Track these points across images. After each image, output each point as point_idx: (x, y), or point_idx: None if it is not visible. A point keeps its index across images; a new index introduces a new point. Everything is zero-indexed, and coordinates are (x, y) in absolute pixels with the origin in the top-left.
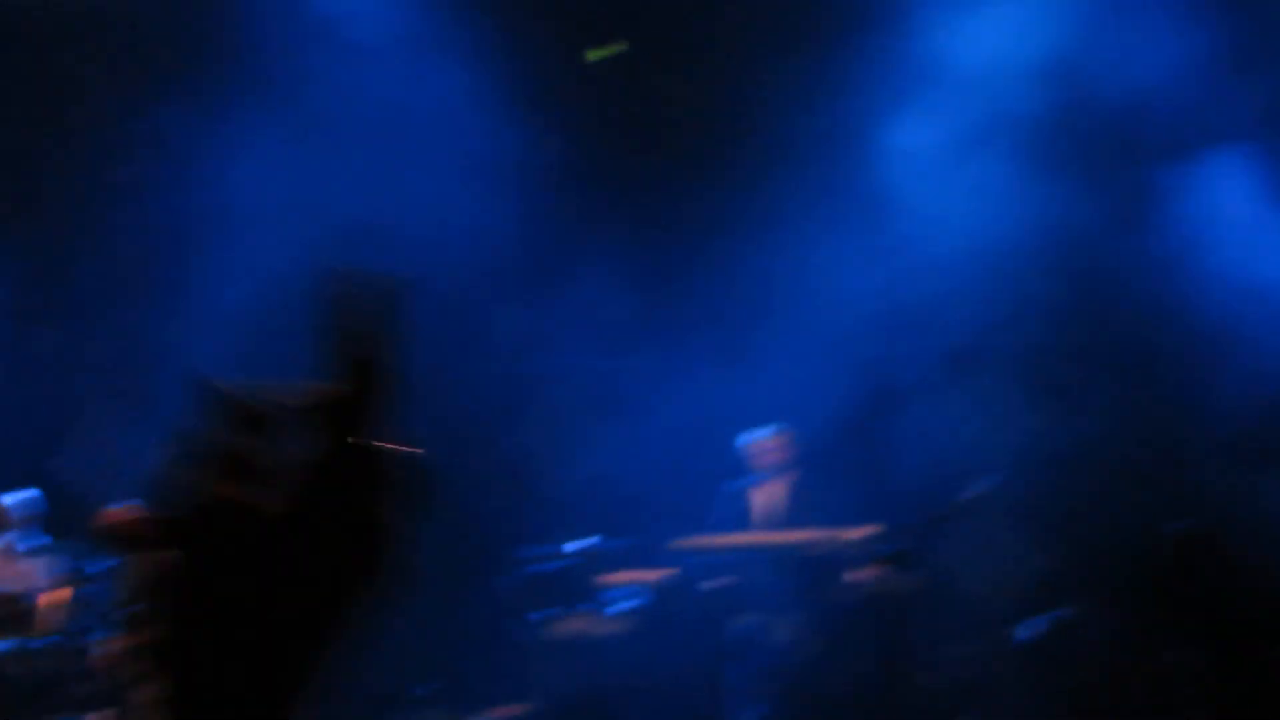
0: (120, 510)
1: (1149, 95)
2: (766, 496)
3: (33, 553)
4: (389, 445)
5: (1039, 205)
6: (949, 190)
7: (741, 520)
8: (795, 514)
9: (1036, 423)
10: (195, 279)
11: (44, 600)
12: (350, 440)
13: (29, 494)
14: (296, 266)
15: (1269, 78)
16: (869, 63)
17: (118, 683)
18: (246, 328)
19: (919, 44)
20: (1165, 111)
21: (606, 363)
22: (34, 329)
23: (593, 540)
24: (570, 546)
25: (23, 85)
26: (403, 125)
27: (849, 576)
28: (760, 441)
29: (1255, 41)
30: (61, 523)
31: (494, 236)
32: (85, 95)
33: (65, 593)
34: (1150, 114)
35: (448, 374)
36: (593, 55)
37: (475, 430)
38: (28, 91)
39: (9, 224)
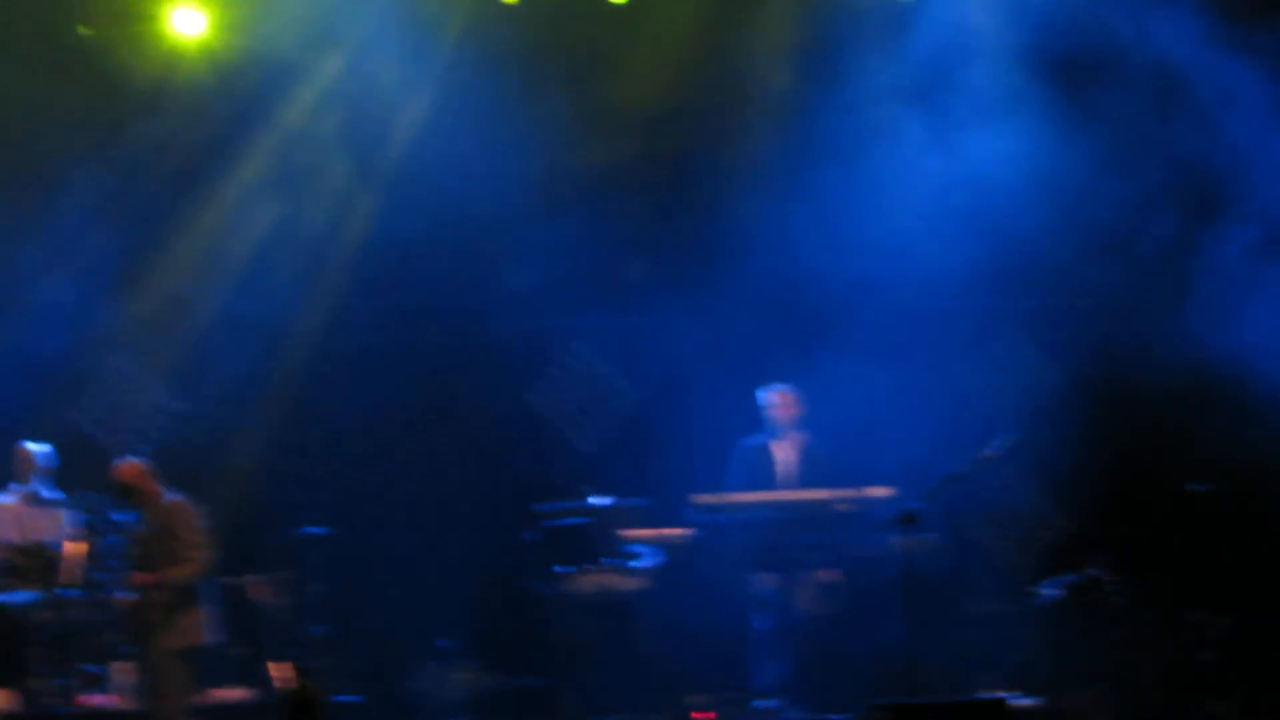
0: (131, 463)
1: None
2: (782, 453)
3: (55, 503)
4: None
5: None
6: None
7: (760, 477)
8: (811, 472)
9: (1051, 379)
10: None
11: (68, 550)
12: None
13: (45, 446)
14: None
15: None
16: None
17: (137, 632)
18: None
19: None
20: None
21: (625, 319)
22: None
23: (615, 496)
24: (594, 502)
25: None
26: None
27: (871, 535)
28: (773, 397)
29: None
30: (81, 474)
31: (511, 195)
32: None
33: (86, 543)
34: None
35: (472, 331)
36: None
37: (499, 386)
38: None
39: None
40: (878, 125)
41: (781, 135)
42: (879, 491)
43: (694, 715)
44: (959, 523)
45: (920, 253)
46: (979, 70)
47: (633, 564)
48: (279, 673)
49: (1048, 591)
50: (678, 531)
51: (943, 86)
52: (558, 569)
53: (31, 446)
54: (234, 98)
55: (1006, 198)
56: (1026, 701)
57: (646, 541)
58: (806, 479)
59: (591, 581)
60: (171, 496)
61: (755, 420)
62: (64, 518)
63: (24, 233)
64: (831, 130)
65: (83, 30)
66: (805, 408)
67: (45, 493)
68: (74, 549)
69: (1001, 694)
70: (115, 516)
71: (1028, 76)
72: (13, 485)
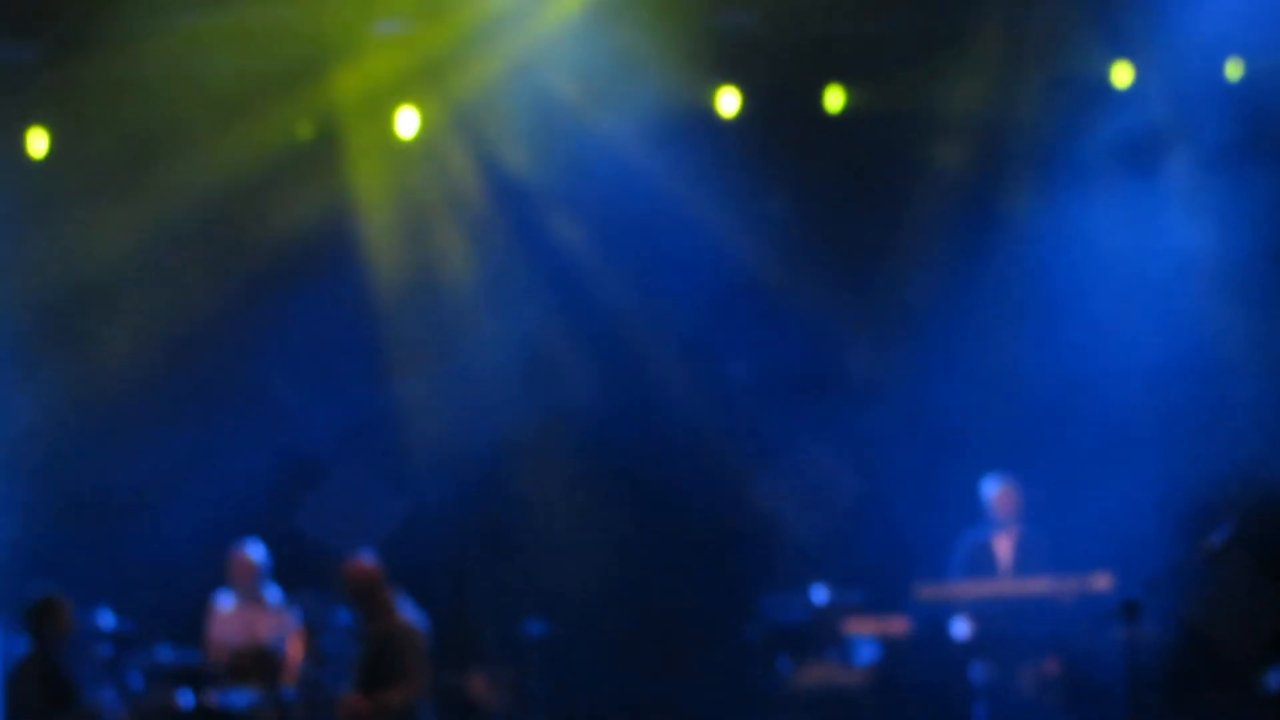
0: (362, 565)
1: None
2: (1004, 545)
3: (277, 605)
4: None
5: None
6: None
7: (981, 569)
8: (1027, 563)
9: (1274, 466)
10: None
11: (291, 651)
12: None
13: (261, 547)
14: None
15: None
16: None
17: None
18: None
19: None
20: None
21: (847, 412)
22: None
23: (837, 589)
24: (816, 596)
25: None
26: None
27: (1093, 626)
28: (995, 490)
29: None
30: (302, 573)
31: (735, 290)
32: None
33: (308, 644)
34: None
35: (694, 424)
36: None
37: (721, 479)
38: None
39: None
40: (1095, 217)
41: (1002, 233)
42: (1100, 582)
43: None
44: (1183, 613)
45: (1142, 343)
46: (1194, 158)
47: (855, 657)
48: None
49: (1276, 680)
50: (900, 623)
51: (1160, 175)
52: (780, 664)
53: (251, 550)
54: (458, 196)
55: (1228, 285)
56: None
57: (869, 634)
58: (1023, 570)
59: (814, 676)
60: (404, 615)
61: (977, 512)
62: (287, 619)
63: (258, 331)
64: (1049, 225)
65: (303, 132)
66: (1026, 500)
67: (267, 594)
68: (296, 650)
69: None
70: (337, 617)
71: (1242, 163)
72: (232, 588)
